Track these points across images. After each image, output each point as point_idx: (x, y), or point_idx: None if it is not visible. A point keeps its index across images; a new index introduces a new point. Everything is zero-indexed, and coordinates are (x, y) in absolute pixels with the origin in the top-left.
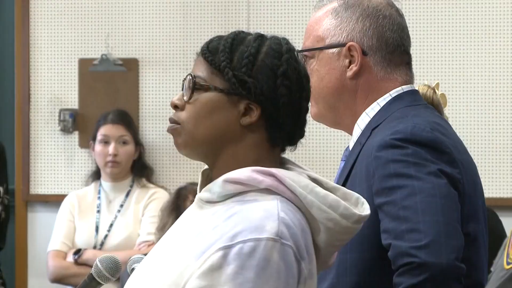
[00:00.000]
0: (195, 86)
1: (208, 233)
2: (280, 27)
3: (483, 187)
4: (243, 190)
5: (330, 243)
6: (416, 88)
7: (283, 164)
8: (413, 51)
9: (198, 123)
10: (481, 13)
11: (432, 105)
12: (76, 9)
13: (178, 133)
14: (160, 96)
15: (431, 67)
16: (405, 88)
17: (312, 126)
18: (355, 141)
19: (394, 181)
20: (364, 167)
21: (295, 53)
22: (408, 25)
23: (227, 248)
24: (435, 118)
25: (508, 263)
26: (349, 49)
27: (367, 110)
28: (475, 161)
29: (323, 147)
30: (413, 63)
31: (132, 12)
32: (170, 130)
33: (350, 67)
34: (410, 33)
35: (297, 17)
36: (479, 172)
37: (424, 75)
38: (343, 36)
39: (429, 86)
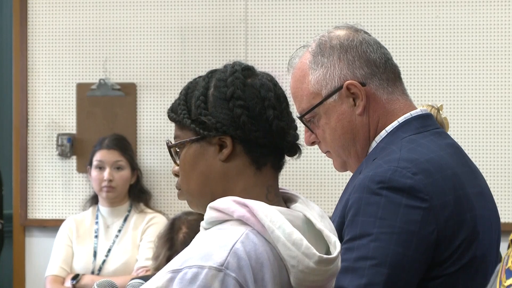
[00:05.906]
0: (172, 150)
1: (178, 255)
2: (277, 53)
3: None
4: (224, 219)
5: (299, 282)
6: (427, 110)
7: (290, 200)
8: (417, 71)
9: (188, 180)
10: (488, 34)
11: None
12: (74, 34)
13: (183, 196)
14: (158, 121)
15: (435, 87)
16: (414, 113)
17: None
18: None
19: (357, 231)
20: (348, 200)
21: (243, 70)
22: (411, 46)
23: (175, 272)
24: (432, 152)
25: None
26: (348, 88)
27: (376, 138)
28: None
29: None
30: (417, 83)
31: (130, 37)
32: (180, 198)
33: (357, 103)
34: (414, 53)
35: (294, 44)
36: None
37: (428, 95)
38: (335, 80)
39: (433, 106)
